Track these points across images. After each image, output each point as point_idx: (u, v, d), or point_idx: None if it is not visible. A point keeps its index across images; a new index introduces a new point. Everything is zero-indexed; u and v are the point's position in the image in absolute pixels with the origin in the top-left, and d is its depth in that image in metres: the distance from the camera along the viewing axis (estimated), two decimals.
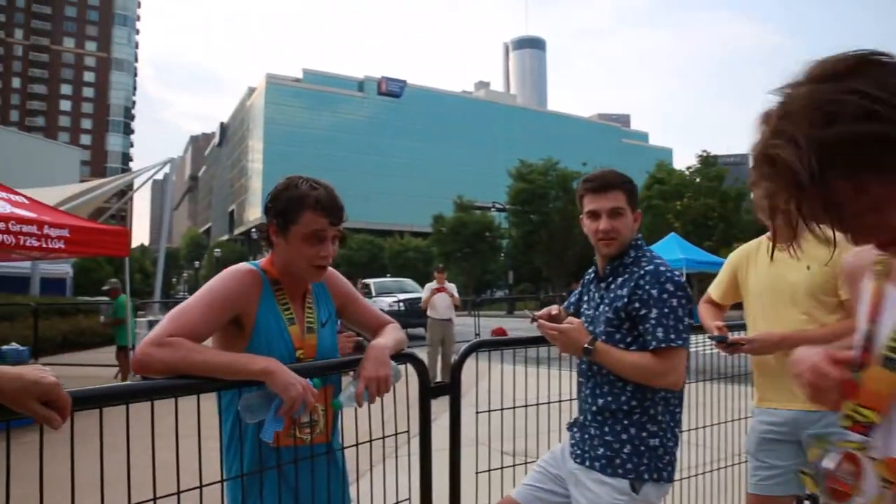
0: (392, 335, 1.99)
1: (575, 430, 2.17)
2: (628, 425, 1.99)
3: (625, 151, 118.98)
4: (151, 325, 10.98)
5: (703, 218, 35.53)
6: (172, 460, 1.51)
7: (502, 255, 49.87)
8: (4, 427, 1.18)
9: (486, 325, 17.95)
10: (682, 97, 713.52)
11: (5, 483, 1.32)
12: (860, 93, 0.79)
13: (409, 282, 22.63)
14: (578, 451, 2.10)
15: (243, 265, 1.85)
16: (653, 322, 1.94)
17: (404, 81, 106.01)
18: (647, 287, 1.98)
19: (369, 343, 1.92)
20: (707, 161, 40.10)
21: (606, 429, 2.01)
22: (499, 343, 2.87)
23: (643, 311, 1.97)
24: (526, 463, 2.69)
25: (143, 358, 1.53)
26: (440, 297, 9.30)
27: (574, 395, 2.29)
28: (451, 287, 9.48)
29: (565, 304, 2.52)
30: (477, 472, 2.57)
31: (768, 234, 2.83)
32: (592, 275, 2.28)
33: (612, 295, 2.07)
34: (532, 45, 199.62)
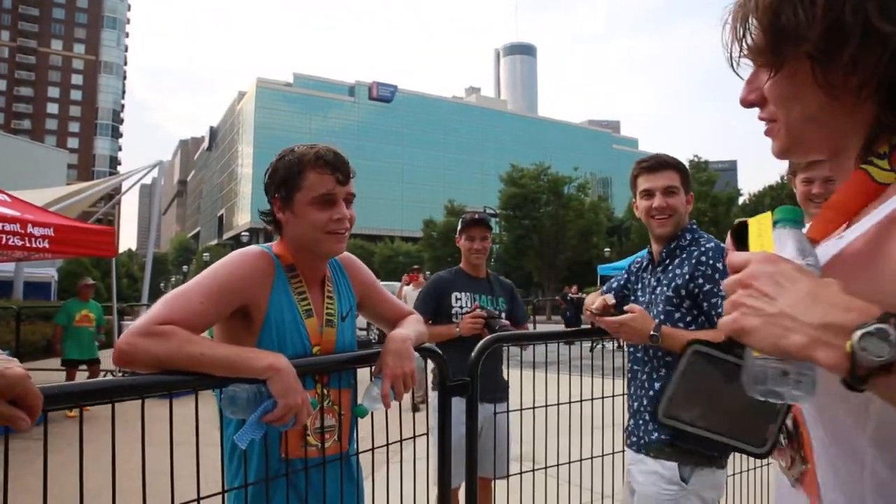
0: (413, 326, 1.78)
1: (630, 418, 2.17)
2: None
3: (616, 157, 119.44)
4: None
5: (694, 221, 35.63)
6: (165, 469, 1.29)
7: (493, 260, 49.70)
8: None
9: None
10: (670, 104, 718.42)
11: None
12: None
13: (399, 285, 22.42)
14: (634, 439, 2.11)
15: (253, 248, 1.60)
16: (723, 294, 1.83)
17: (395, 86, 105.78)
18: (712, 262, 1.98)
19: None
20: (698, 166, 40.29)
21: None
22: (518, 338, 2.66)
23: (707, 287, 1.97)
24: (546, 468, 2.50)
25: (126, 349, 1.28)
26: (414, 293, 8.51)
27: (585, 397, 2.33)
28: None
29: (604, 288, 2.44)
30: (494, 479, 2.38)
31: None
32: (646, 263, 2.28)
33: (670, 275, 2.08)
34: (523, 51, 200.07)
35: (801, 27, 0.71)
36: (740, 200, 43.40)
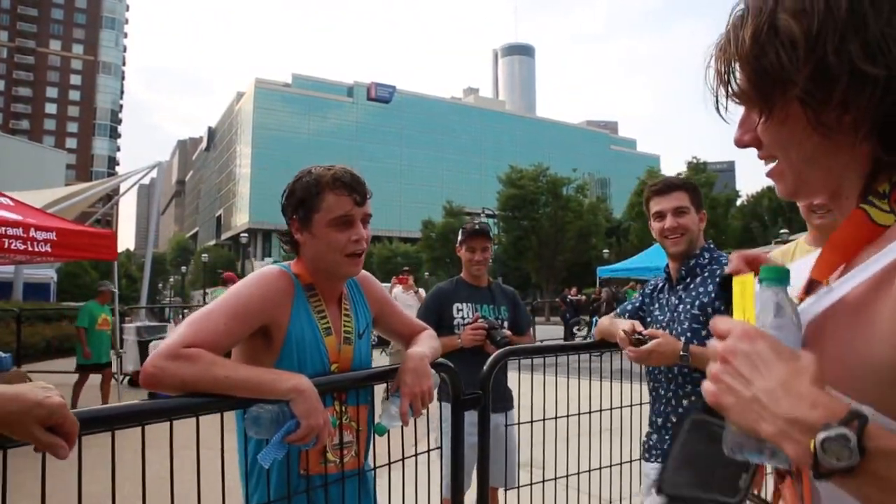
0: (427, 343, 1.80)
1: (652, 434, 2.23)
2: None
3: (614, 158, 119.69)
4: (139, 330, 10.65)
5: None
6: (184, 488, 1.31)
7: (492, 261, 49.70)
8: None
9: None
10: (668, 104, 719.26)
11: None
12: None
13: None
14: (657, 452, 2.17)
15: (273, 268, 1.63)
16: None
17: (394, 87, 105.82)
18: None
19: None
20: (696, 167, 40.36)
21: None
22: (529, 350, 2.68)
23: None
24: (556, 479, 2.52)
25: (155, 372, 1.30)
26: (403, 295, 8.50)
27: (593, 404, 2.39)
28: (421, 293, 8.81)
29: (618, 310, 2.47)
30: (506, 489, 2.40)
31: (804, 236, 2.71)
32: (663, 283, 2.33)
33: (693, 294, 2.13)
34: (521, 51, 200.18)
35: (787, 71, 0.71)
36: (738, 201, 43.57)
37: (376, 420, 1.64)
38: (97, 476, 1.28)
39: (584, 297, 24.02)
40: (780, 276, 0.71)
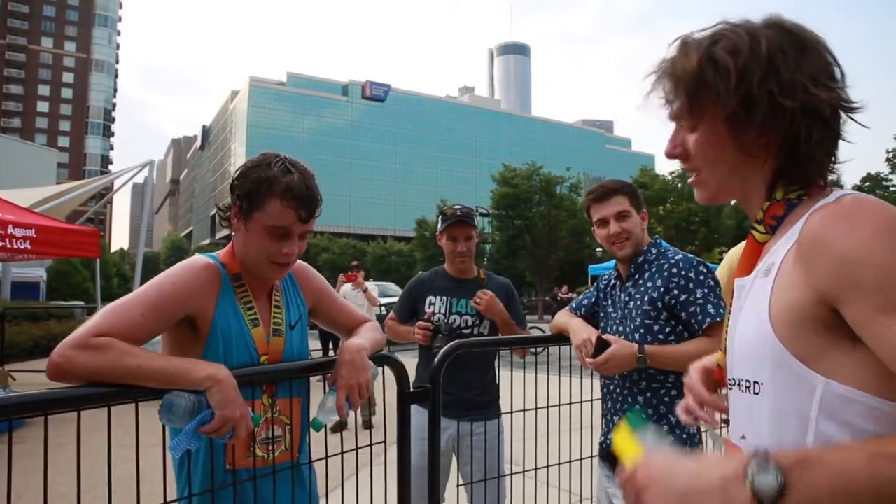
0: (368, 334, 1.77)
1: (609, 433, 2.19)
2: (671, 417, 2.05)
3: (608, 157, 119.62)
4: None
5: (685, 223, 35.92)
6: (102, 482, 1.28)
7: (486, 259, 49.72)
8: None
9: None
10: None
11: None
12: (754, 39, 0.90)
13: (391, 286, 22.41)
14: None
15: (199, 258, 1.59)
16: (700, 302, 2.03)
17: (389, 86, 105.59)
18: (684, 273, 2.07)
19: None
20: None
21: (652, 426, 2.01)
22: (476, 345, 2.65)
23: (683, 297, 2.05)
24: (524, 472, 2.50)
25: (60, 361, 1.25)
26: (353, 293, 8.06)
27: (562, 398, 2.33)
28: (372, 287, 8.45)
29: (572, 305, 2.45)
30: (458, 486, 2.39)
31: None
32: (614, 280, 2.33)
33: (642, 289, 2.15)
34: (517, 50, 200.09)
35: (721, 95, 0.89)
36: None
37: (312, 415, 1.61)
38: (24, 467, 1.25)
39: (574, 295, 24.03)
40: (641, 417, 1.02)
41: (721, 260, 3.02)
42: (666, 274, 2.09)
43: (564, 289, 23.86)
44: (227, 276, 1.59)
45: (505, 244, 45.90)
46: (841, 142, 0.93)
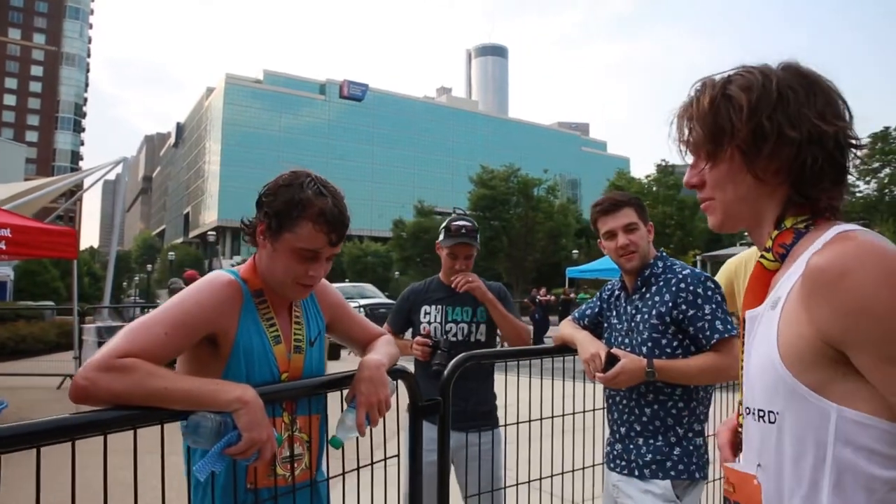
0: (385, 349, 1.75)
1: (616, 443, 2.20)
2: (678, 429, 2.08)
3: (584, 159, 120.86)
4: (100, 331, 10.38)
5: (660, 226, 36.40)
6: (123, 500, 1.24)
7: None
8: None
9: None
10: (638, 107, 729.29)
11: None
12: (766, 77, 0.97)
13: (369, 287, 22.28)
14: (622, 462, 2.15)
15: (221, 275, 1.56)
16: (709, 317, 2.05)
17: (366, 85, 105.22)
18: (692, 288, 2.08)
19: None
20: (665, 170, 40.96)
21: (659, 436, 2.08)
22: (489, 356, 2.64)
23: (692, 312, 2.06)
24: (529, 482, 2.50)
25: (85, 384, 1.21)
26: None
27: (560, 405, 2.40)
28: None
29: (575, 314, 2.43)
30: (466, 497, 2.37)
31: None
32: (618, 291, 2.33)
33: (649, 303, 2.15)
34: (494, 52, 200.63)
35: (735, 127, 0.97)
36: None
37: (331, 433, 1.59)
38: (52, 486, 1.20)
39: (553, 298, 24.19)
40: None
41: (695, 263, 3.07)
42: (674, 289, 2.10)
43: (542, 290, 23.94)
44: (249, 292, 1.57)
45: (482, 245, 45.70)
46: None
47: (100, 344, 9.89)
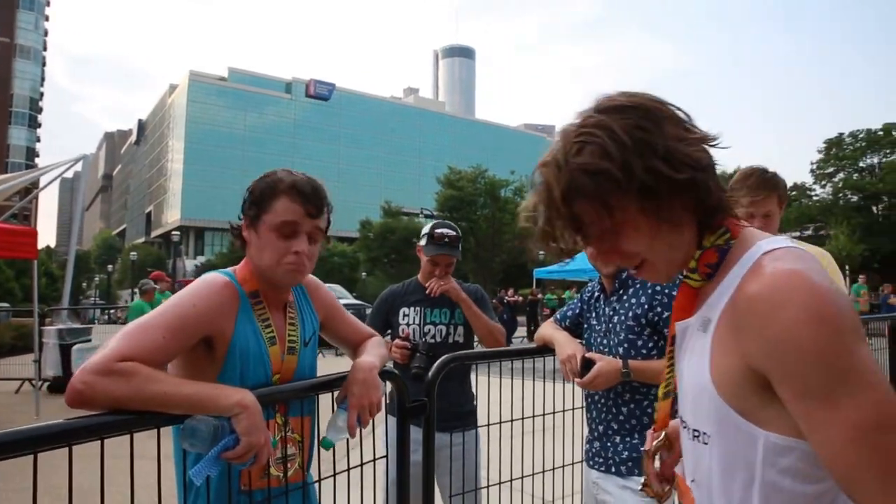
0: (376, 351, 1.77)
1: (594, 441, 2.25)
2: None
3: None
4: (62, 333, 10.10)
5: None
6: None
7: None
8: None
9: None
10: None
11: None
12: (609, 131, 0.91)
13: (337, 287, 22.15)
14: (600, 460, 2.20)
15: (217, 277, 1.55)
16: None
17: (333, 85, 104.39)
18: (667, 290, 2.13)
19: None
20: None
21: (636, 434, 2.13)
22: (474, 356, 2.67)
23: (666, 314, 2.10)
24: (501, 483, 2.53)
25: (83, 389, 1.19)
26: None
27: (539, 411, 2.42)
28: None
29: (557, 316, 2.49)
30: (451, 496, 2.39)
31: None
32: (598, 293, 2.37)
33: (626, 305, 2.19)
34: (462, 53, 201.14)
35: (622, 196, 0.92)
36: None
37: (321, 434, 1.59)
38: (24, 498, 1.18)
39: (520, 298, 24.37)
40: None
41: None
42: (650, 291, 2.16)
43: (510, 291, 24.11)
44: (245, 293, 1.56)
45: None
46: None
47: (62, 346, 9.63)
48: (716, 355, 0.92)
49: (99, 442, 1.20)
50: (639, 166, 0.90)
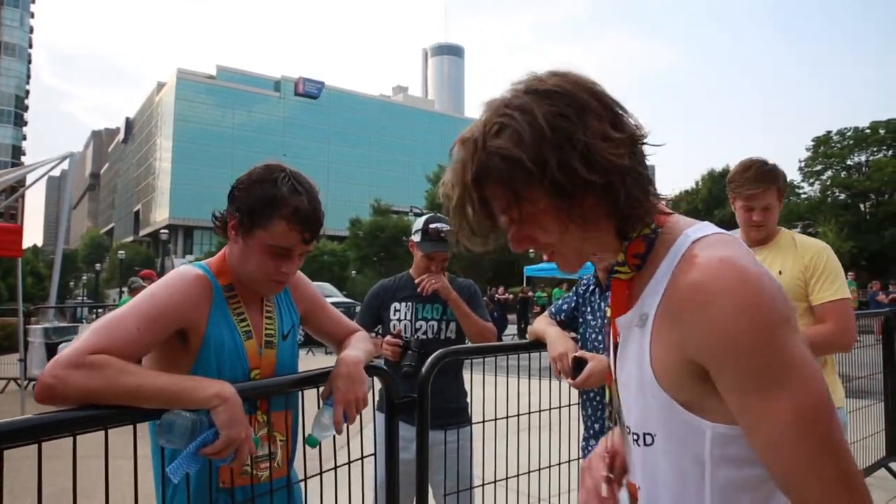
0: (361, 345, 1.71)
1: (590, 439, 2.24)
2: None
3: None
4: (48, 332, 9.97)
5: None
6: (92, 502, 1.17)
7: None
8: None
9: None
10: None
11: None
12: (531, 116, 0.86)
13: (327, 286, 22.08)
14: None
15: (190, 270, 1.50)
16: None
17: (322, 83, 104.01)
18: None
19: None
20: None
21: None
22: (467, 352, 2.62)
23: None
24: (496, 482, 2.49)
25: (53, 383, 1.14)
26: None
27: (535, 407, 2.41)
28: None
29: (552, 309, 2.45)
30: (445, 494, 2.35)
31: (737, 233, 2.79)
32: (593, 287, 2.33)
33: None
34: (451, 51, 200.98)
35: (533, 191, 0.88)
36: None
37: (307, 431, 1.54)
38: None
39: (511, 296, 24.36)
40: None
41: None
42: None
43: (501, 289, 24.10)
44: (219, 286, 1.51)
45: None
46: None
47: (48, 345, 9.51)
48: (655, 349, 0.90)
49: (71, 439, 1.14)
50: (553, 161, 0.84)
